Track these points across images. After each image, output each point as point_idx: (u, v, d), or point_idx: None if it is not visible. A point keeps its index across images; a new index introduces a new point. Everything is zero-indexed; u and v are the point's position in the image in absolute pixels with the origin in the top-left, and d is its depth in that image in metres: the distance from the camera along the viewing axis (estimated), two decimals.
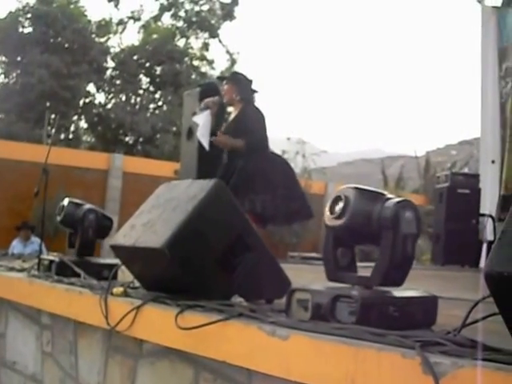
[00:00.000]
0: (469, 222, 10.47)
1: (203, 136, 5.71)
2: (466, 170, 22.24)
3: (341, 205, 2.55)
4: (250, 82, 5.97)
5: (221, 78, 6.26)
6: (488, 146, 12.97)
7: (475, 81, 13.60)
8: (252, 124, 5.73)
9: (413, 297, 2.62)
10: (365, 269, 2.74)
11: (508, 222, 1.88)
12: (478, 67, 13.57)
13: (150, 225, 3.36)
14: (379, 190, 2.66)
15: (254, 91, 5.94)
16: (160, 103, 26.76)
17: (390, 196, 2.61)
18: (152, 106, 26.83)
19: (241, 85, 5.87)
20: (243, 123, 5.71)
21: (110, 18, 27.47)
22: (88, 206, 4.82)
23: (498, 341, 2.00)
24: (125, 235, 3.53)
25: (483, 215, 10.90)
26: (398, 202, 2.54)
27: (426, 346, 2.00)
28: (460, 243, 10.00)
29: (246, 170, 5.58)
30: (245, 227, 3.28)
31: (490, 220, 10.41)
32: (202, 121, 5.70)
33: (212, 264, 3.14)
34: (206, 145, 5.68)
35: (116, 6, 27.38)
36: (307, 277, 5.59)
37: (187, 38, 27.83)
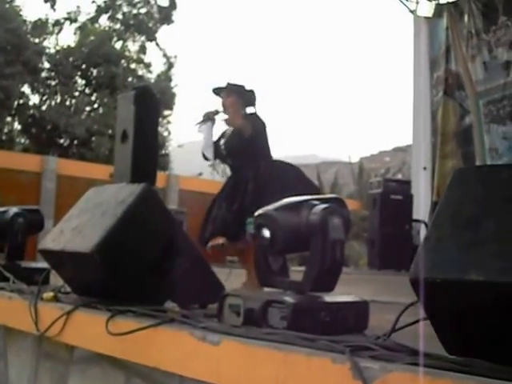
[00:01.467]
0: (402, 228, 10.67)
1: (207, 148, 5.69)
2: (399, 177, 22.63)
3: (267, 233, 2.56)
4: (252, 92, 5.78)
5: (218, 90, 5.84)
6: (420, 152, 13.26)
7: (408, 89, 13.89)
8: (256, 137, 5.59)
9: (344, 302, 2.64)
10: (301, 273, 2.74)
11: (432, 229, 1.91)
12: (411, 76, 13.87)
13: (79, 229, 3.30)
14: (305, 197, 2.68)
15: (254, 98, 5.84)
16: (96, 106, 26.41)
17: (318, 198, 2.63)
18: (87, 108, 26.45)
19: (245, 98, 5.70)
20: (253, 140, 5.60)
21: (46, 19, 26.97)
22: (15, 209, 4.73)
23: (428, 345, 2.02)
24: (53, 240, 3.47)
25: (417, 221, 11.12)
26: (325, 208, 2.55)
27: (355, 351, 2.01)
28: (394, 248, 10.18)
29: (261, 176, 5.48)
30: (176, 231, 3.26)
31: (422, 225, 10.62)
32: (205, 133, 5.65)
33: (143, 269, 3.11)
34: (210, 156, 5.71)
35: (52, 6, 26.91)
36: (238, 281, 5.58)
37: (124, 40, 27.56)
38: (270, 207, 2.62)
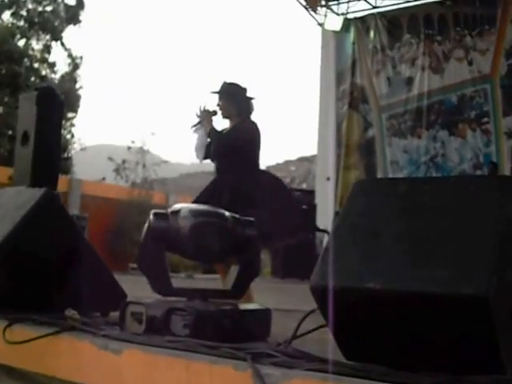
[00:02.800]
0: (306, 237, 10.81)
1: (198, 149, 5.57)
2: (304, 186, 22.94)
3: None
4: (245, 90, 5.61)
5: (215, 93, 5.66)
6: (324, 163, 13.53)
7: (314, 100, 14.14)
8: (245, 143, 5.40)
9: (247, 310, 2.67)
10: (204, 282, 2.76)
11: (332, 239, 1.96)
12: (318, 87, 14.13)
13: None
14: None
15: (251, 99, 5.72)
16: None
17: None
18: None
19: (238, 98, 5.53)
20: (237, 141, 5.44)
21: None
22: None
23: (326, 351, 2.07)
24: None
25: (320, 230, 11.30)
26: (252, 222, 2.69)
27: (257, 358, 2.03)
28: (298, 257, 10.31)
29: (239, 186, 5.33)
30: (77, 238, 3.21)
31: (326, 235, 10.80)
32: (199, 133, 5.54)
33: (43, 276, 3.04)
34: (199, 158, 5.60)
35: None
36: (148, 289, 5.53)
37: (28, 38, 26.84)
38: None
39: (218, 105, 5.52)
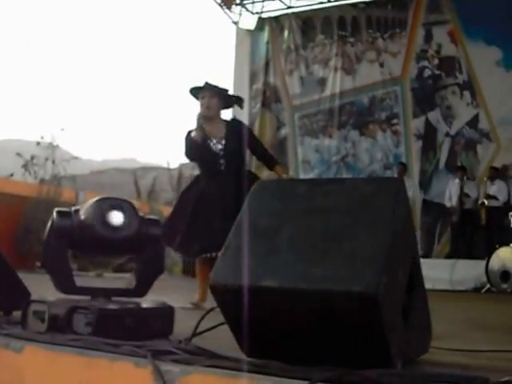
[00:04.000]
0: None
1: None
2: None
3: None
4: (227, 91, 5.54)
5: (197, 89, 5.48)
6: None
7: None
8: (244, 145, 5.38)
9: (150, 308, 2.68)
10: (113, 280, 2.77)
11: (231, 238, 2.01)
12: (231, 86, 14.16)
13: None
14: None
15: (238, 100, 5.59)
16: None
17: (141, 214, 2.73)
18: None
19: (224, 99, 5.45)
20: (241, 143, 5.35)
21: None
22: None
23: (226, 348, 2.11)
24: None
25: None
26: (154, 221, 2.68)
27: (158, 355, 2.05)
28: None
29: (242, 187, 5.10)
30: None
31: None
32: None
33: None
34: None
35: None
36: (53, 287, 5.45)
37: None
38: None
39: (203, 104, 5.35)
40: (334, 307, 1.78)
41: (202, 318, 2.31)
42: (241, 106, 5.71)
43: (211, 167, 5.35)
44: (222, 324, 2.17)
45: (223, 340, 2.24)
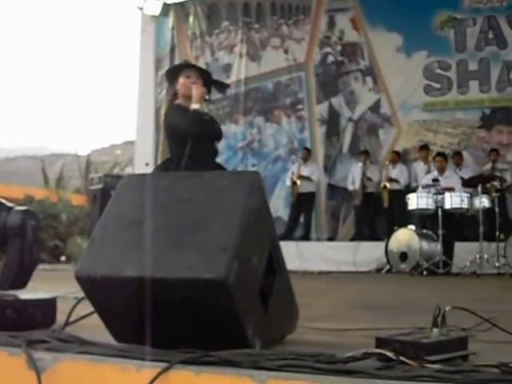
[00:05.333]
0: None
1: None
2: (130, 171, 22.80)
3: None
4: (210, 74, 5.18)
5: (195, 67, 5.10)
6: (143, 148, 13.58)
7: (135, 84, 14.11)
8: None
9: (32, 299, 2.73)
10: None
11: (97, 230, 2.10)
12: (137, 72, 14.11)
13: None
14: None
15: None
16: None
17: (10, 205, 2.73)
18: None
19: (207, 83, 4.99)
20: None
21: None
22: None
23: (97, 335, 2.21)
24: None
25: None
26: (24, 211, 2.67)
27: (32, 344, 2.13)
28: None
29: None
30: None
31: None
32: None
33: None
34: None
35: None
36: None
37: None
38: None
39: (190, 82, 4.85)
40: (190, 294, 1.90)
41: (73, 308, 2.39)
42: (223, 92, 5.49)
43: (214, 147, 4.92)
44: (92, 313, 2.26)
45: (98, 327, 2.34)
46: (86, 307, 2.42)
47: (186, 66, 5.06)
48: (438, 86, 11.96)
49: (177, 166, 4.58)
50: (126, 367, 1.91)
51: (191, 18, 13.89)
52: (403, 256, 9.73)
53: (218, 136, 4.92)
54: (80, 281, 2.02)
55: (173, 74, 5.02)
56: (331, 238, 12.21)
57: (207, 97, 4.80)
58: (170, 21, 13.98)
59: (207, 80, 4.97)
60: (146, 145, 13.52)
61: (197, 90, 4.69)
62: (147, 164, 13.04)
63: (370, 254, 10.68)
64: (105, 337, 2.22)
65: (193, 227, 1.98)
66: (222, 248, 1.89)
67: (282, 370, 1.84)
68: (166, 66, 13.77)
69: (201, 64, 13.60)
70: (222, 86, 5.50)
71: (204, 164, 4.62)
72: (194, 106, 4.67)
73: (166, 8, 14.05)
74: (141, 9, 14.30)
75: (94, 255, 2.02)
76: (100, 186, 10.10)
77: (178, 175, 2.38)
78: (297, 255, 10.57)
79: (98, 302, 2.05)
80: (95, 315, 2.27)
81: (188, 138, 4.53)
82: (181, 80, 4.86)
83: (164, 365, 1.82)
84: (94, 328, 2.36)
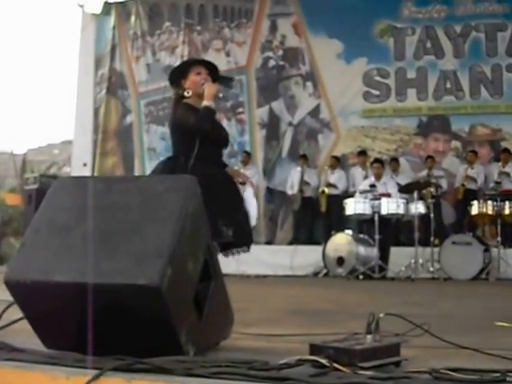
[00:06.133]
0: None
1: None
2: (68, 170, 22.46)
3: None
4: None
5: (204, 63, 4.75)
6: (81, 148, 13.38)
7: (74, 83, 13.90)
8: None
9: None
10: None
11: (28, 234, 2.05)
12: (76, 71, 13.90)
13: None
14: None
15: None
16: None
17: None
18: None
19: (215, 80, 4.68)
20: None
21: None
22: None
23: (28, 341, 2.15)
24: None
25: None
26: None
27: None
28: None
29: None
30: None
31: None
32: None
33: None
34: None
35: None
36: None
37: None
38: None
39: (201, 79, 4.56)
40: (123, 300, 1.86)
41: (3, 313, 2.33)
42: (230, 87, 5.26)
43: (221, 152, 4.69)
44: (22, 318, 2.20)
45: (30, 333, 2.28)
46: (18, 312, 2.36)
47: (195, 63, 4.79)
48: (376, 92, 12.13)
49: (185, 165, 4.36)
50: (55, 375, 1.86)
51: (133, 18, 13.75)
52: (340, 260, 9.81)
53: (226, 141, 4.68)
54: (9, 285, 1.96)
55: (181, 72, 4.71)
56: (269, 242, 12.23)
57: (221, 94, 4.56)
58: (112, 20, 13.81)
59: (216, 75, 4.71)
60: (84, 145, 13.32)
61: (210, 88, 4.48)
62: (85, 164, 12.86)
63: (307, 258, 10.74)
64: (35, 343, 2.16)
65: (127, 232, 1.95)
66: (156, 253, 1.87)
67: (216, 378, 1.83)
68: (106, 66, 13.63)
69: (142, 65, 13.53)
70: (229, 81, 5.05)
71: (214, 167, 4.50)
72: (206, 103, 4.44)
73: (107, 7, 13.87)
74: (81, 6, 14.09)
75: (25, 259, 1.96)
76: (36, 186, 9.91)
77: (112, 179, 2.34)
78: (234, 259, 10.54)
79: (28, 307, 2.00)
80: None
81: (197, 138, 4.34)
82: (191, 77, 4.57)
83: (95, 372, 1.79)
84: (25, 333, 2.30)
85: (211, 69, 4.71)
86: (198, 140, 4.34)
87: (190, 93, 4.50)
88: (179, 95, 4.59)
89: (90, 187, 2.08)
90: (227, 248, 4.52)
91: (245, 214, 4.79)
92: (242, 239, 4.59)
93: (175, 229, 1.93)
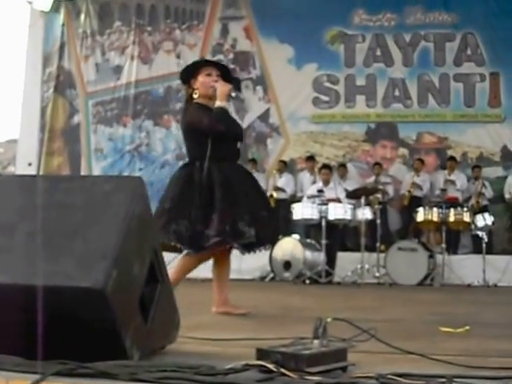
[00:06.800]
0: None
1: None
2: (12, 170, 22.08)
3: None
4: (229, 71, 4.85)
5: (215, 64, 4.78)
6: (26, 148, 13.13)
7: (20, 80, 13.65)
8: None
9: None
10: None
11: None
12: (23, 69, 13.64)
13: None
14: None
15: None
16: None
17: None
18: None
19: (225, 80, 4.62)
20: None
21: None
22: None
23: None
24: None
25: None
26: None
27: None
28: None
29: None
30: None
31: None
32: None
33: None
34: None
35: None
36: None
37: None
38: None
39: (216, 81, 4.53)
40: (66, 303, 1.81)
41: None
42: (238, 89, 5.02)
43: (237, 148, 4.65)
44: None
45: None
46: None
47: (205, 63, 4.79)
48: (326, 98, 12.22)
49: (200, 168, 4.33)
50: None
51: (82, 16, 13.56)
52: (287, 265, 9.83)
53: (241, 137, 4.66)
54: None
55: (191, 71, 4.68)
56: None
57: (233, 94, 4.51)
58: (61, 17, 13.58)
59: (228, 77, 4.65)
60: (29, 144, 13.07)
61: (222, 87, 4.43)
62: (30, 164, 12.63)
63: (254, 261, 10.69)
64: None
65: (71, 233, 1.90)
66: (100, 255, 1.82)
67: (161, 383, 1.80)
68: (55, 64, 13.39)
69: (90, 64, 13.34)
70: (237, 83, 5.10)
71: (229, 165, 4.47)
72: (220, 103, 4.41)
73: (56, 4, 13.64)
74: (30, 3, 13.84)
75: None
76: None
77: (57, 178, 2.28)
78: None
79: None
80: None
81: (209, 138, 4.32)
82: (200, 78, 4.56)
83: (36, 377, 1.74)
84: None
85: (223, 70, 4.68)
86: (211, 140, 4.30)
87: (197, 94, 4.52)
88: (189, 94, 4.59)
89: (34, 186, 2.02)
90: (250, 248, 4.50)
91: (269, 209, 4.75)
92: (265, 238, 4.53)
93: (121, 230, 1.88)
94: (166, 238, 4.15)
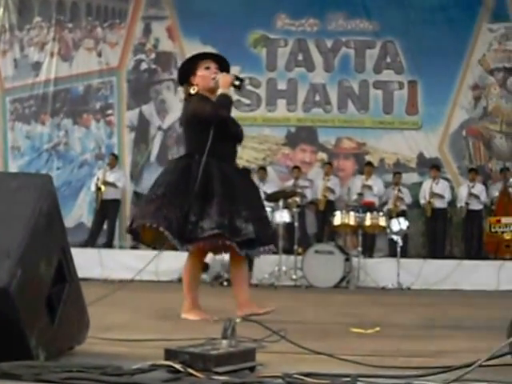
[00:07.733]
0: None
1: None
2: None
3: None
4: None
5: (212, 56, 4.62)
6: None
7: None
8: None
9: None
10: None
11: None
12: None
13: None
14: None
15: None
16: None
17: None
18: None
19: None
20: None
21: None
22: None
23: None
24: None
25: None
26: None
27: None
28: None
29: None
30: None
31: None
32: None
33: None
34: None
35: None
36: None
37: None
38: None
39: (212, 73, 4.43)
40: None
41: None
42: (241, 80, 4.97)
43: (236, 148, 4.61)
44: None
45: None
46: None
47: (203, 57, 4.59)
48: (247, 101, 12.27)
49: (199, 161, 4.24)
50: None
51: (1, 10, 13.21)
52: (205, 267, 9.81)
53: (241, 137, 4.58)
54: None
55: (190, 68, 4.54)
56: (135, 247, 12.06)
57: (236, 82, 4.41)
58: None
59: (226, 68, 4.56)
60: None
61: (225, 77, 4.37)
62: None
63: (172, 263, 10.62)
64: None
65: None
66: (5, 253, 1.79)
67: (66, 383, 1.78)
68: None
69: (8, 59, 13.02)
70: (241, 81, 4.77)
71: (228, 164, 4.42)
72: (222, 90, 4.33)
73: None
74: None
75: None
76: None
77: None
78: (98, 263, 10.36)
79: None
80: None
81: (211, 131, 4.23)
82: (199, 73, 4.44)
83: None
84: None
85: (220, 61, 4.58)
86: (212, 135, 4.23)
87: (196, 89, 4.40)
88: (187, 94, 4.47)
89: None
90: (251, 246, 4.37)
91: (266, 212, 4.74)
92: (266, 238, 4.47)
93: (27, 228, 1.85)
94: (155, 223, 4.13)
